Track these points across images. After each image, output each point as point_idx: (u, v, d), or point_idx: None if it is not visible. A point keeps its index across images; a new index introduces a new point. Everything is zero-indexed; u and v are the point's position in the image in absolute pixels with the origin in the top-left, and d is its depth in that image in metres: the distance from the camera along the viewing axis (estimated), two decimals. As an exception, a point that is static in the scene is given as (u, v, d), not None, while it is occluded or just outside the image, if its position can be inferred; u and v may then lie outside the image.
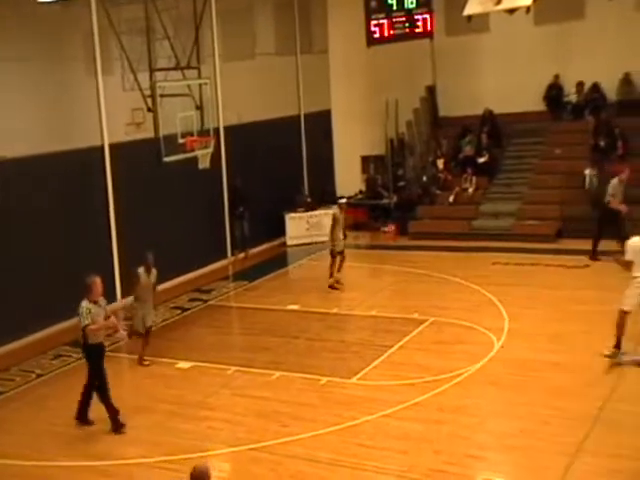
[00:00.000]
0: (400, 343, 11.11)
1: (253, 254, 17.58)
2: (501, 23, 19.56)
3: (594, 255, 14.95)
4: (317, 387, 9.75)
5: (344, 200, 16.15)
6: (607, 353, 9.81)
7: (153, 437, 8.59)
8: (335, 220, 14.51)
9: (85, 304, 8.65)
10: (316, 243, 18.37)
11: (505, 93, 19.62)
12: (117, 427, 8.79)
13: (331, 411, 8.97)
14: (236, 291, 14.99)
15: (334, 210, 15.19)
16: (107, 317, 8.91)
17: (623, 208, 14.83)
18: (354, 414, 8.77)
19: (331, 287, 14.42)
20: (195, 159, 13.31)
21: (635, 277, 9.81)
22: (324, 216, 19.10)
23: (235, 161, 16.99)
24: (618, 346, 9.77)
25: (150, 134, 12.46)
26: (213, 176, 16.07)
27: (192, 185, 15.40)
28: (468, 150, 19.70)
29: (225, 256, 17.15)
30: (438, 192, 19.39)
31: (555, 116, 19.63)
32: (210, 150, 13.43)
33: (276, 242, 18.64)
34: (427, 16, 17.51)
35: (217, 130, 15.56)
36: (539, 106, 19.76)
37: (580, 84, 19.28)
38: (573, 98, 19.47)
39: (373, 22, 17.10)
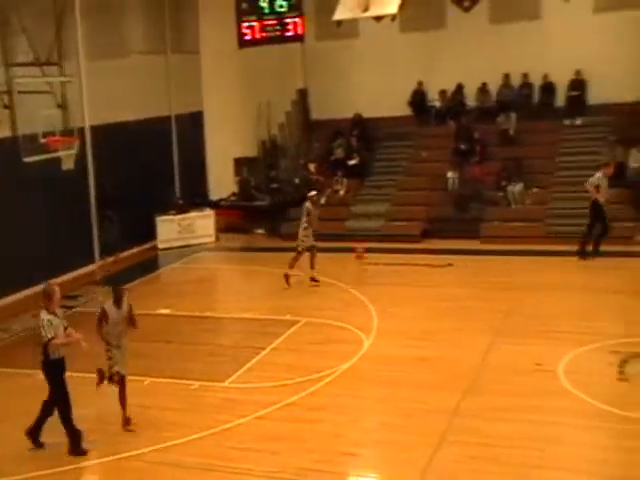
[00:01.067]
0: (273, 345, 11.17)
1: (123, 258, 17.06)
2: (370, 29, 20.16)
3: (597, 252, 15.05)
4: (189, 392, 9.63)
5: (314, 192, 15.46)
6: None
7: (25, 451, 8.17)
8: (309, 214, 14.40)
9: (45, 315, 7.87)
10: (189, 246, 18.12)
11: (375, 97, 20.22)
12: (75, 450, 8.08)
13: (204, 415, 8.88)
14: (105, 296, 14.47)
15: (307, 204, 14.75)
16: (65, 329, 8.11)
17: (601, 197, 15.20)
18: (227, 417, 8.74)
19: (313, 280, 14.25)
20: (59, 160, 12.76)
21: None
22: (196, 219, 18.90)
23: (103, 162, 16.41)
24: None
25: (7, 133, 11.81)
26: (79, 178, 15.45)
27: (56, 187, 14.70)
28: (339, 153, 20.14)
29: (93, 260, 16.54)
30: (310, 194, 19.65)
31: (421, 121, 20.47)
32: (74, 151, 12.93)
33: (147, 245, 18.20)
34: (298, 20, 17.76)
35: (83, 130, 15.01)
36: (407, 111, 20.54)
37: (443, 91, 20.22)
38: (437, 104, 20.38)
39: (244, 24, 17.14)
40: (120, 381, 8.59)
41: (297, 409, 8.96)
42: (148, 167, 17.87)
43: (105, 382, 8.63)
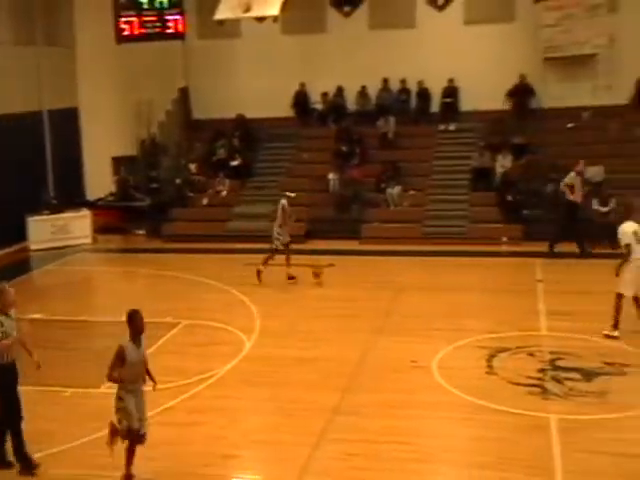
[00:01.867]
0: (152, 348, 10.82)
1: (-10, 260, 16.14)
2: (252, 30, 20.14)
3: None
4: (62, 399, 9.23)
5: (294, 195, 15.35)
6: (606, 332, 10.45)
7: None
8: (285, 212, 14.15)
9: None
10: (64, 247, 17.38)
11: (257, 98, 20.20)
12: (26, 469, 7.40)
13: (77, 424, 8.53)
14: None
15: (283, 201, 14.50)
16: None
17: (577, 197, 15.50)
18: (102, 425, 8.35)
19: (291, 278, 14.15)
20: None
21: (636, 259, 10.29)
22: (72, 219, 18.17)
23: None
24: (616, 326, 10.43)
25: None
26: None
27: None
28: (221, 153, 19.98)
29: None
30: (192, 194, 19.40)
31: (303, 122, 20.66)
32: None
33: (17, 247, 17.29)
34: (178, 17, 17.52)
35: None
36: (289, 112, 20.67)
37: (324, 94, 20.51)
38: (318, 106, 20.65)
39: (122, 19, 16.68)
40: (134, 438, 7.14)
41: (177, 413, 8.80)
42: (18, 164, 16.99)
43: (119, 442, 7.15)
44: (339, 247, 16.67)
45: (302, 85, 20.61)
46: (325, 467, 7.52)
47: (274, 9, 17.15)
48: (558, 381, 9.14)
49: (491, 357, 10.02)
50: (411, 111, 20.25)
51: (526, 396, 8.78)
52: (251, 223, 18.25)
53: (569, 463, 7.21)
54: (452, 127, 19.77)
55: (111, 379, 7.13)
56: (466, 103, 19.70)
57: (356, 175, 18.77)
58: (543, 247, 15.71)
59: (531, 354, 10.07)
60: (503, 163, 18.15)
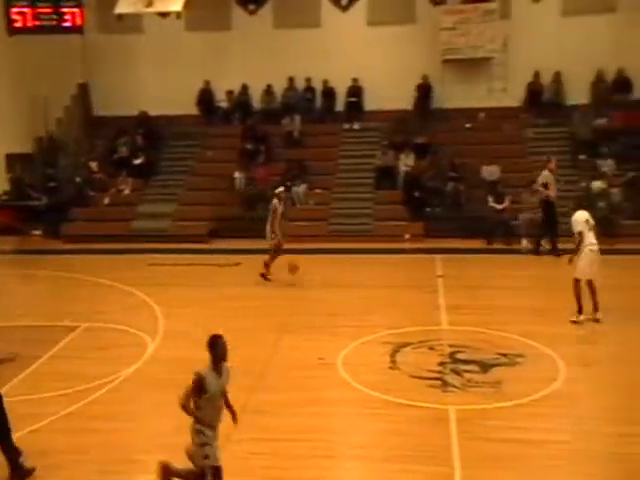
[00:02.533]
0: (51, 352, 10.53)
1: None
2: (155, 26, 19.79)
3: (556, 251, 15.22)
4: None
5: (282, 189, 14.60)
6: (572, 318, 10.95)
7: None
8: (275, 211, 13.64)
9: None
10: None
11: (161, 95, 19.86)
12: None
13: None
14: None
15: (274, 201, 13.91)
16: None
17: (551, 193, 15.62)
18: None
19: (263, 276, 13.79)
20: None
21: (587, 245, 10.80)
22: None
23: None
24: (580, 311, 10.95)
25: None
26: None
27: None
28: (123, 151, 19.52)
29: None
30: (93, 193, 18.85)
31: (208, 120, 20.46)
32: None
33: None
34: (76, 10, 16.99)
35: None
36: (194, 110, 20.42)
37: (230, 92, 20.38)
38: (224, 104, 20.50)
39: (14, 10, 15.97)
40: (217, 474, 6.44)
41: (77, 419, 8.52)
42: None
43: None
44: (246, 246, 16.60)
45: (207, 83, 20.41)
46: (231, 467, 7.43)
47: (177, 5, 16.94)
48: (457, 373, 9.46)
49: (394, 352, 10.25)
50: (316, 110, 20.43)
51: (427, 389, 9.04)
52: (155, 223, 17.94)
53: (467, 451, 7.48)
54: (357, 126, 20.09)
55: (185, 409, 6.38)
56: (370, 102, 20.06)
57: (262, 174, 18.76)
58: (444, 244, 16.22)
59: (432, 348, 10.37)
60: (406, 162, 18.60)
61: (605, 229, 11.76)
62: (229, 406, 6.66)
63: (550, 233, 15.55)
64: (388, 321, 11.58)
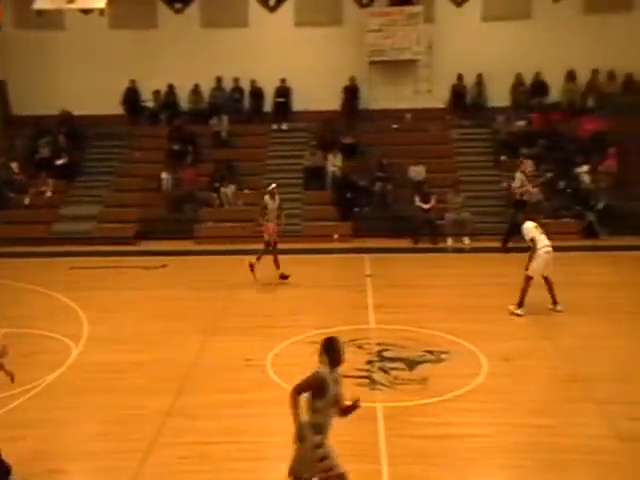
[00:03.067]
0: (-33, 361, 10.12)
1: None
2: (77, 22, 19.32)
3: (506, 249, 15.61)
4: None
5: (274, 185, 14.07)
6: (511, 309, 11.64)
7: None
8: (266, 207, 13.39)
9: None
10: None
11: (85, 94, 19.44)
12: None
13: None
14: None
15: (266, 197, 13.63)
16: None
17: (531, 190, 16.01)
18: None
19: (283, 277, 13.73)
20: None
21: (542, 248, 11.46)
22: None
23: None
24: (521, 304, 11.61)
25: None
26: None
27: None
28: (45, 152, 18.97)
29: None
30: (13, 195, 18.25)
31: (133, 120, 20.10)
32: None
33: None
34: (-8, 5, 16.34)
35: None
36: (119, 110, 20.02)
37: (156, 92, 20.08)
38: (150, 104, 20.18)
39: None
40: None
41: (-3, 428, 8.23)
42: None
43: None
44: (173, 248, 16.41)
45: (132, 82, 20.06)
46: (158, 472, 7.37)
47: (100, 1, 16.57)
48: (384, 371, 9.59)
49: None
50: (244, 110, 20.36)
51: (355, 387, 9.08)
52: (79, 225, 17.51)
53: (394, 448, 7.60)
54: (285, 127, 20.13)
55: (293, 407, 5.70)
56: (298, 103, 20.12)
57: (189, 174, 18.56)
58: (372, 243, 16.43)
59: (360, 347, 10.47)
60: (334, 162, 18.73)
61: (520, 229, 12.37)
62: (347, 413, 6.01)
63: (511, 232, 15.75)
64: (317, 321, 11.63)
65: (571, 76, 19.73)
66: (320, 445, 5.71)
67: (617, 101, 19.19)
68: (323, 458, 5.71)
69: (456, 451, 7.59)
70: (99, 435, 8.19)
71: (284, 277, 13.83)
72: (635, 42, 19.04)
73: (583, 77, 19.68)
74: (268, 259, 13.97)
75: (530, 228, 11.79)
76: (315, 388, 5.67)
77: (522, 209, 15.89)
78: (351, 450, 7.60)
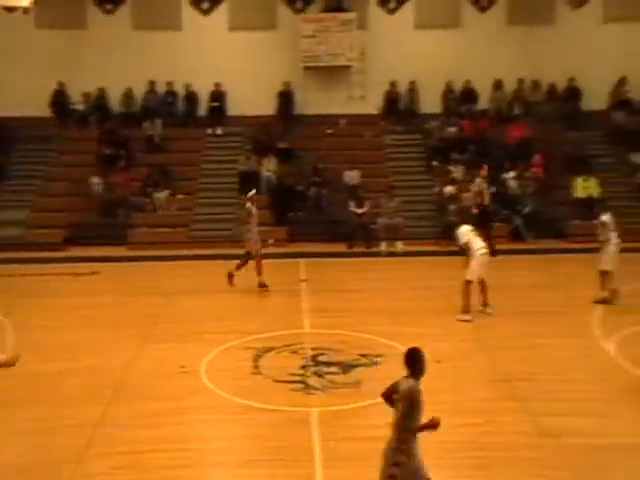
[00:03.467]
0: None
1: None
2: (1, 21, 18.73)
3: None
4: None
5: (254, 191, 13.91)
6: (459, 317, 11.62)
7: None
8: (250, 214, 13.10)
9: None
10: None
11: (10, 96, 18.94)
12: None
13: None
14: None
15: (248, 204, 13.26)
16: None
17: (486, 199, 16.25)
18: None
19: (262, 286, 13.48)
20: None
21: (478, 250, 11.62)
22: None
23: None
24: (466, 310, 11.66)
25: None
26: None
27: None
28: (-33, 155, 18.30)
29: None
30: None
31: (62, 123, 19.63)
32: None
33: None
34: None
35: None
36: (47, 112, 19.52)
37: (86, 94, 19.68)
38: (79, 106, 19.75)
39: None
40: None
41: None
42: None
43: None
44: (104, 253, 16.08)
45: (61, 84, 19.58)
46: (90, 484, 7.23)
47: (24, 0, 16.14)
48: (319, 376, 9.64)
49: (257, 357, 10.28)
50: (178, 114, 20.13)
51: (289, 392, 9.14)
52: (5, 230, 16.97)
53: (328, 452, 7.65)
54: (220, 131, 20.01)
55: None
56: (233, 107, 20.04)
57: (122, 179, 18.23)
58: (307, 247, 16.49)
59: (295, 352, 10.50)
60: (269, 167, 18.72)
61: (454, 232, 12.61)
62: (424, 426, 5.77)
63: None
64: (252, 326, 11.60)
65: (498, 85, 20.30)
66: (400, 463, 5.70)
67: (541, 109, 19.88)
68: (392, 476, 5.76)
69: (386, 453, 7.68)
70: (28, 448, 7.91)
71: (263, 286, 13.67)
72: (557, 54, 19.75)
73: (509, 86, 20.27)
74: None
75: (464, 232, 12.00)
76: (419, 403, 5.60)
77: (483, 215, 16.13)
78: (284, 455, 7.65)
